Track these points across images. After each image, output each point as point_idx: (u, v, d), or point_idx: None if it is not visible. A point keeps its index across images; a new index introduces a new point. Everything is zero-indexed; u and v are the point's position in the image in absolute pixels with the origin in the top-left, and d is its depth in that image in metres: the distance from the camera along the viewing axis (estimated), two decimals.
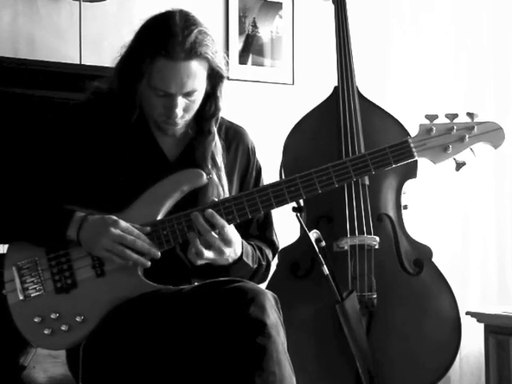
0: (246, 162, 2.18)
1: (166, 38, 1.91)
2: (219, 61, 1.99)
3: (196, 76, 1.95)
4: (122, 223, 1.91)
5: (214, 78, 2.02)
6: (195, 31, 1.93)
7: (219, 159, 2.07)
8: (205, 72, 1.97)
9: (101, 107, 2.05)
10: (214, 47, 1.97)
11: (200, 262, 1.95)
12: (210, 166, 2.04)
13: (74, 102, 2.11)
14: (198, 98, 2.00)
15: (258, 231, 2.18)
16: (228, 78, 2.06)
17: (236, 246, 1.98)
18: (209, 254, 1.93)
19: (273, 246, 2.22)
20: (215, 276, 1.97)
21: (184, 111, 1.99)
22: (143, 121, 2.06)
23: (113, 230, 1.89)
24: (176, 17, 1.95)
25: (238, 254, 2.01)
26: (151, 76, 1.94)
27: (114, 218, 1.91)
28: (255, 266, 2.09)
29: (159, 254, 1.93)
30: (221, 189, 2.04)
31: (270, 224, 2.22)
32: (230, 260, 1.99)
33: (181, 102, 1.97)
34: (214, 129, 2.08)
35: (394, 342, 2.82)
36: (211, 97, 2.05)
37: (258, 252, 2.12)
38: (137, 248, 1.90)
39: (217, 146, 2.08)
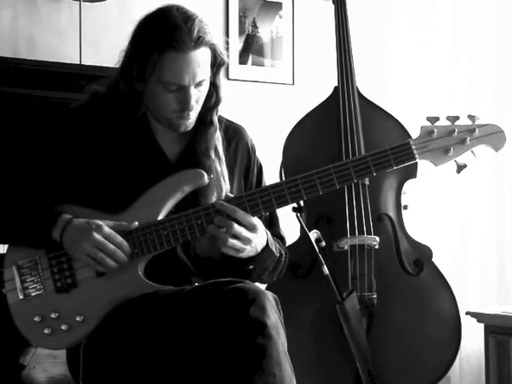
0: (247, 160, 2.18)
1: (171, 32, 1.91)
2: (221, 46, 2.00)
3: (204, 64, 1.95)
4: (106, 229, 1.90)
5: (215, 66, 2.02)
6: (197, 20, 1.94)
7: (221, 150, 2.07)
8: (209, 60, 1.98)
9: (100, 109, 2.04)
10: (213, 33, 1.98)
11: (228, 251, 1.93)
12: (213, 157, 2.04)
13: (72, 105, 2.10)
14: (206, 87, 2.00)
15: (267, 227, 2.18)
16: (228, 78, 2.06)
17: (260, 232, 1.95)
18: (236, 243, 1.91)
19: (282, 240, 2.21)
20: (222, 272, 1.97)
21: (196, 102, 1.99)
22: (144, 120, 2.06)
23: (95, 235, 1.89)
24: (173, 10, 1.96)
25: (264, 242, 1.99)
26: (162, 72, 1.93)
27: (99, 222, 1.91)
28: (278, 255, 2.08)
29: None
30: (222, 180, 2.03)
31: (277, 220, 2.22)
32: (259, 248, 1.97)
33: (194, 93, 1.97)
34: (215, 119, 2.08)
35: (394, 342, 2.82)
36: (212, 86, 2.05)
37: (276, 243, 2.11)
38: (116, 258, 1.90)
39: (218, 137, 2.08)
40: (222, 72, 2.06)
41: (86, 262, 1.91)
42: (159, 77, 1.94)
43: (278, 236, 2.20)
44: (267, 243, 2.00)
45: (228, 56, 2.06)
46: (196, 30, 1.92)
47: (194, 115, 2.01)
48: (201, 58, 1.94)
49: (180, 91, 1.95)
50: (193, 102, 1.97)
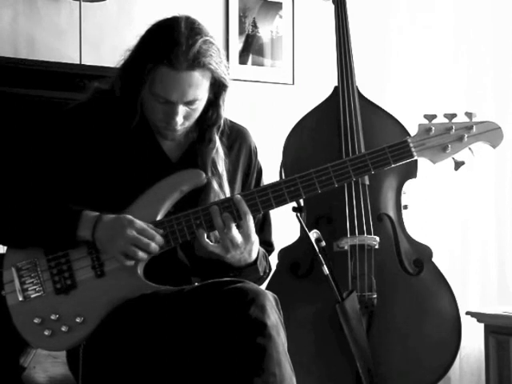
0: (248, 163, 2.18)
1: (169, 47, 1.90)
2: (223, 71, 1.97)
3: (198, 86, 1.93)
4: (137, 224, 1.90)
5: (217, 86, 2.00)
6: (200, 41, 1.92)
7: (220, 167, 2.06)
8: (207, 81, 1.96)
9: (102, 108, 2.04)
10: (218, 57, 1.95)
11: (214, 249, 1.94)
12: (210, 174, 2.03)
13: (75, 103, 2.10)
14: (200, 106, 1.99)
15: (258, 233, 2.17)
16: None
17: (253, 247, 1.97)
18: (214, 247, 1.93)
19: (269, 247, 2.22)
20: (219, 275, 1.96)
21: (184, 119, 1.99)
22: (145, 122, 2.06)
23: (129, 231, 1.89)
24: (181, 24, 1.93)
25: (253, 257, 2.00)
26: (153, 83, 1.93)
27: (130, 217, 1.90)
28: (261, 274, 2.08)
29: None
30: (222, 196, 2.03)
31: (269, 225, 2.21)
32: (242, 261, 1.98)
33: (181, 110, 1.96)
34: (215, 137, 2.07)
35: (394, 342, 2.82)
36: (213, 105, 2.04)
37: (264, 261, 2.11)
38: (150, 251, 1.90)
39: (218, 152, 2.07)
40: (224, 93, 2.03)
41: (118, 259, 1.90)
42: (150, 87, 1.94)
43: (268, 243, 2.20)
44: (255, 261, 2.01)
45: (228, 64, 2.03)
46: (195, 51, 1.90)
47: (182, 129, 2.01)
48: (194, 80, 1.92)
49: (168, 105, 1.95)
50: (179, 118, 1.96)
